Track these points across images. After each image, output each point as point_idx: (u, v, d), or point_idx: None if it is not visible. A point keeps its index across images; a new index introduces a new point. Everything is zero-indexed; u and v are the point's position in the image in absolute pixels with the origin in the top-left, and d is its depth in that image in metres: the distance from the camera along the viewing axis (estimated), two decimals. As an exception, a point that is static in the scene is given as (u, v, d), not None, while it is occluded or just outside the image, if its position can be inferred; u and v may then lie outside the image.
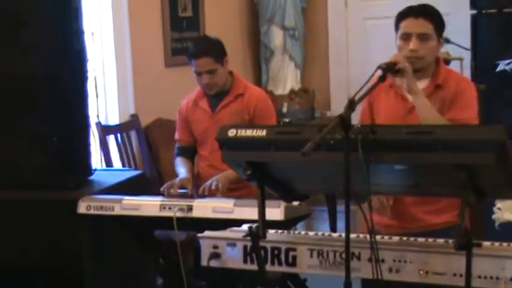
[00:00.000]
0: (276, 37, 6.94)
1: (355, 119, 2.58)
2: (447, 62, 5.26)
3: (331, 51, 7.19)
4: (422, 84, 3.36)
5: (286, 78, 7.00)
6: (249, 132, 2.58)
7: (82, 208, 3.65)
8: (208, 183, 3.94)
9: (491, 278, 2.50)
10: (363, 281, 2.91)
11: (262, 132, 2.55)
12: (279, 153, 2.52)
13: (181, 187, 3.85)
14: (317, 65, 7.22)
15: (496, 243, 2.61)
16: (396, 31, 3.38)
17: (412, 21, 3.31)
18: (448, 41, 5.67)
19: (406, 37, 3.31)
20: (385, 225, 3.38)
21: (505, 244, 2.61)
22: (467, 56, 5.63)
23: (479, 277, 2.50)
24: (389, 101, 3.42)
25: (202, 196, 3.83)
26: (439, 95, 3.35)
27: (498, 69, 5.62)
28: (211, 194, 3.88)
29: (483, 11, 5.76)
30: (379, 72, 2.91)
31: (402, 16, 3.35)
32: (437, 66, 3.41)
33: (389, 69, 3.02)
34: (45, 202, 3.78)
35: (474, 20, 5.75)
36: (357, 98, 2.50)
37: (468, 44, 5.74)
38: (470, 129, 2.46)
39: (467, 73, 5.52)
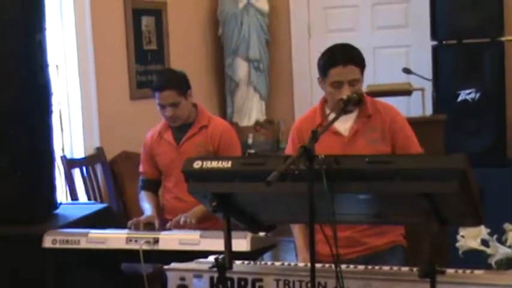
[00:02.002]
0: (241, 69, 6.97)
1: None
2: (409, 92, 5.33)
3: (295, 82, 7.25)
4: (353, 115, 3.51)
5: (251, 109, 7.03)
6: (215, 164, 2.59)
7: (47, 242, 3.63)
8: (176, 218, 3.94)
9: (455, 304, 2.53)
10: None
11: (228, 164, 2.57)
12: (245, 184, 2.54)
13: (148, 224, 3.84)
14: (282, 96, 7.26)
15: (460, 271, 2.64)
16: (323, 76, 3.49)
17: (341, 70, 3.43)
18: (409, 71, 5.77)
19: (337, 85, 3.43)
20: (328, 255, 3.39)
21: (468, 271, 2.64)
22: (428, 86, 5.71)
23: (444, 304, 2.53)
24: (321, 139, 3.47)
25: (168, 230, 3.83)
26: (371, 124, 3.52)
27: (459, 99, 5.72)
28: (178, 228, 3.88)
29: (444, 42, 5.86)
30: (341, 104, 2.98)
31: (329, 65, 3.46)
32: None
33: (351, 100, 3.09)
34: (9, 236, 3.75)
35: (435, 51, 5.85)
36: (320, 129, 2.54)
37: (429, 75, 5.83)
38: (432, 158, 2.49)
39: (429, 103, 5.59)
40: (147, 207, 4.13)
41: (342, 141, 3.49)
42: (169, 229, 3.89)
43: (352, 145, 3.47)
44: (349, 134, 3.52)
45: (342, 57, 3.44)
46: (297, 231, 3.64)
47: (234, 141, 4.28)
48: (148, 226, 3.78)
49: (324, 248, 3.33)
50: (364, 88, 3.39)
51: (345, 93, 3.34)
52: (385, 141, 3.50)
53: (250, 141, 6.85)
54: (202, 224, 3.93)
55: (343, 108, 2.93)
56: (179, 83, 4.19)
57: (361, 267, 2.82)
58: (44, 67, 3.91)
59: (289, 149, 3.68)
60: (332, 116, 3.42)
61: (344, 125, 3.50)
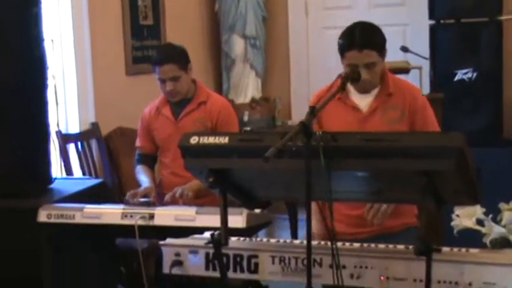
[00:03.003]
0: (237, 46, 6.95)
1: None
2: (406, 70, 5.32)
3: (292, 60, 7.23)
4: (374, 92, 3.45)
5: (247, 87, 7.02)
6: (211, 140, 2.59)
7: (42, 216, 3.63)
8: (173, 190, 3.94)
9: (450, 282, 2.54)
10: (324, 286, 2.94)
11: (225, 140, 2.57)
12: (242, 160, 2.54)
13: (145, 196, 3.85)
14: (278, 73, 7.25)
15: (455, 249, 2.65)
16: (341, 57, 3.42)
17: (356, 54, 3.33)
18: (407, 50, 5.75)
19: (354, 67, 3.35)
20: (341, 233, 3.39)
21: (463, 250, 2.65)
22: (426, 65, 5.70)
23: (439, 282, 2.53)
24: (339, 113, 3.46)
25: (165, 204, 3.83)
26: (392, 102, 3.45)
27: (456, 78, 5.72)
28: (175, 201, 3.89)
29: (441, 21, 5.85)
30: (339, 81, 2.96)
31: (346, 48, 3.37)
32: (385, 75, 3.49)
33: (349, 78, 3.07)
34: (4, 210, 3.74)
35: (433, 30, 5.84)
36: (318, 105, 2.53)
37: (427, 54, 5.82)
38: (429, 136, 2.50)
39: (426, 82, 5.59)
40: (144, 179, 4.14)
41: (359, 117, 3.43)
42: (167, 202, 3.90)
43: (368, 121, 3.41)
44: (368, 110, 3.45)
45: (358, 42, 3.33)
46: (314, 206, 3.60)
47: (232, 117, 4.27)
48: (145, 203, 3.78)
49: (337, 226, 3.35)
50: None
51: (362, 76, 3.29)
52: (404, 121, 3.43)
53: (246, 118, 6.85)
54: (199, 200, 3.93)
55: (341, 86, 2.91)
56: (179, 57, 4.17)
57: (357, 245, 2.82)
58: (40, 40, 3.88)
59: None
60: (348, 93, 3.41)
61: (364, 101, 3.45)
